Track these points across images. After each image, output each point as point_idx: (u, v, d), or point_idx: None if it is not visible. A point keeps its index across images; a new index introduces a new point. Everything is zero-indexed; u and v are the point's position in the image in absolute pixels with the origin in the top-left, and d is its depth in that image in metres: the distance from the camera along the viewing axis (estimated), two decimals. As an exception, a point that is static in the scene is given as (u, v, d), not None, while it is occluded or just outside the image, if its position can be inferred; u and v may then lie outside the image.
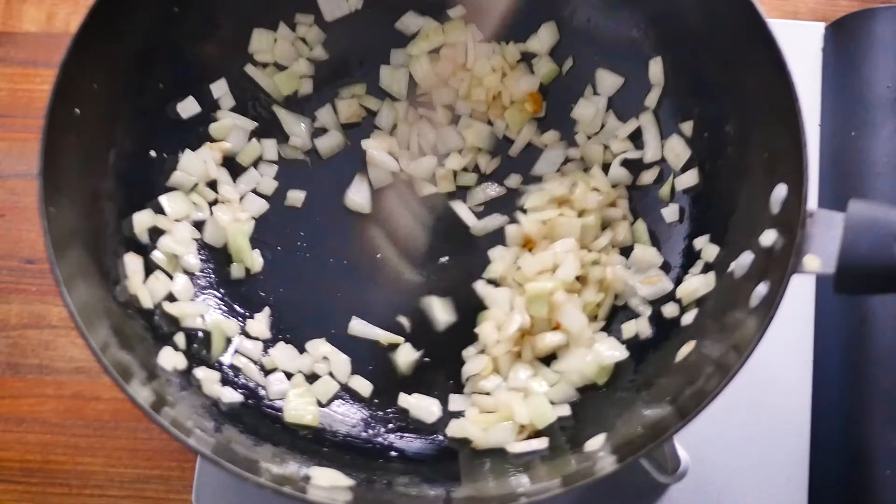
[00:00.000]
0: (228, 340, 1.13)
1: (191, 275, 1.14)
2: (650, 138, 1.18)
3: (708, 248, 1.09)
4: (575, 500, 1.17)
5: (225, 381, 1.09)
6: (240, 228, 1.16)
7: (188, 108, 1.17)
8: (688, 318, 1.08)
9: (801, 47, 1.31)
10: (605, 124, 1.21)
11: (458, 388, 1.15)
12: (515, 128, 1.22)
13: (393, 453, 1.10)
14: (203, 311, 1.13)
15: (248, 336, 1.15)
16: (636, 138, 1.20)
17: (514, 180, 1.22)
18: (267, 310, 1.17)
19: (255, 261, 1.18)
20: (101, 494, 1.24)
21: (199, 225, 1.16)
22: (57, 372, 1.28)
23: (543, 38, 1.21)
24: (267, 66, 1.22)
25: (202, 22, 1.14)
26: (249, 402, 1.10)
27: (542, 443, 1.05)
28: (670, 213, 1.16)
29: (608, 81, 1.20)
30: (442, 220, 1.22)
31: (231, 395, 1.08)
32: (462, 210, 1.21)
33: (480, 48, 1.22)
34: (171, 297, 1.11)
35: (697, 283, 1.08)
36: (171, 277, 1.12)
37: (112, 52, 1.04)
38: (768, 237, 0.95)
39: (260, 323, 1.16)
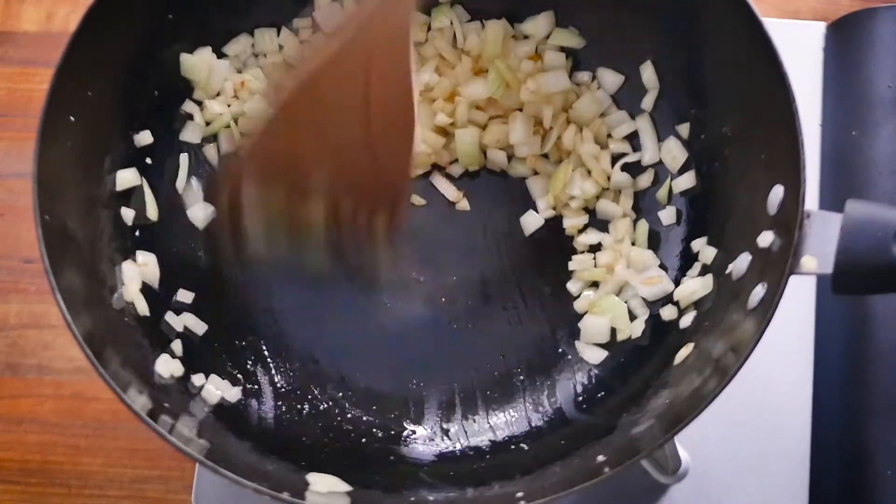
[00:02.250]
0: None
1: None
2: (647, 141, 1.18)
3: (706, 251, 1.09)
4: (575, 500, 1.17)
5: (222, 387, 1.10)
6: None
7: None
8: (686, 321, 1.08)
9: (802, 47, 1.30)
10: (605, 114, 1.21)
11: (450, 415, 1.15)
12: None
13: (392, 458, 1.10)
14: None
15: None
16: (633, 138, 1.20)
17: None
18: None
19: None
20: (100, 495, 1.24)
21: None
22: (56, 372, 1.27)
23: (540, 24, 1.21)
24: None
25: (197, 28, 1.14)
26: (248, 407, 1.11)
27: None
28: (667, 215, 1.16)
29: (609, 78, 1.20)
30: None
31: (228, 401, 1.09)
32: (442, 184, 1.21)
33: (468, 27, 1.22)
34: (176, 310, 1.13)
35: (695, 286, 1.08)
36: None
37: (107, 59, 1.04)
38: (766, 238, 0.95)
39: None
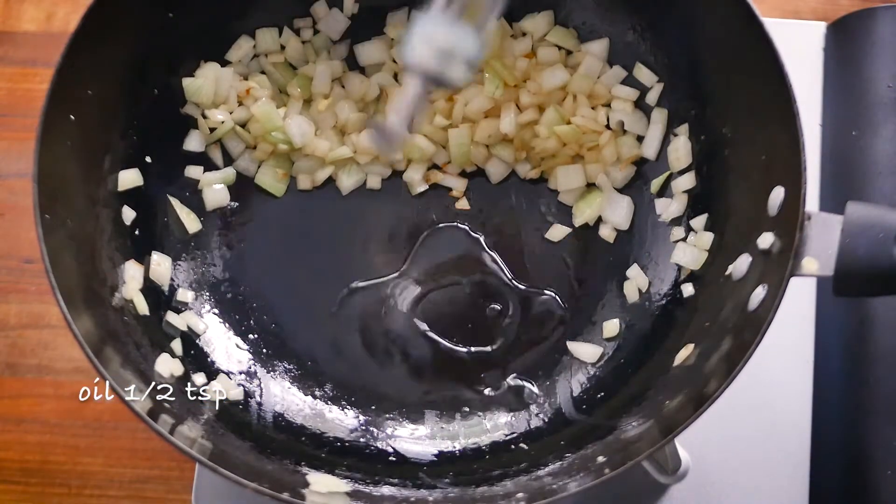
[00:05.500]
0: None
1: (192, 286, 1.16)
2: (651, 137, 1.18)
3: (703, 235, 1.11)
4: (575, 500, 1.17)
5: (223, 387, 1.10)
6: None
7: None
8: (688, 290, 1.10)
9: (803, 47, 1.30)
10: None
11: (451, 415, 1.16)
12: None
13: (392, 458, 1.10)
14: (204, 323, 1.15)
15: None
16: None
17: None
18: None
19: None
20: (100, 495, 1.24)
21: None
22: (56, 372, 1.27)
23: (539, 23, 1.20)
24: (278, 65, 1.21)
25: (197, 28, 1.14)
26: (248, 407, 1.11)
27: None
28: (664, 208, 1.16)
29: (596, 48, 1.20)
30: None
31: (229, 400, 1.09)
32: (447, 179, 1.21)
33: None
34: (176, 310, 1.13)
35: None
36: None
37: (107, 58, 1.04)
38: (766, 240, 0.95)
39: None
